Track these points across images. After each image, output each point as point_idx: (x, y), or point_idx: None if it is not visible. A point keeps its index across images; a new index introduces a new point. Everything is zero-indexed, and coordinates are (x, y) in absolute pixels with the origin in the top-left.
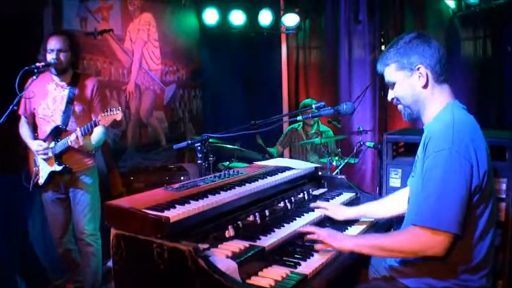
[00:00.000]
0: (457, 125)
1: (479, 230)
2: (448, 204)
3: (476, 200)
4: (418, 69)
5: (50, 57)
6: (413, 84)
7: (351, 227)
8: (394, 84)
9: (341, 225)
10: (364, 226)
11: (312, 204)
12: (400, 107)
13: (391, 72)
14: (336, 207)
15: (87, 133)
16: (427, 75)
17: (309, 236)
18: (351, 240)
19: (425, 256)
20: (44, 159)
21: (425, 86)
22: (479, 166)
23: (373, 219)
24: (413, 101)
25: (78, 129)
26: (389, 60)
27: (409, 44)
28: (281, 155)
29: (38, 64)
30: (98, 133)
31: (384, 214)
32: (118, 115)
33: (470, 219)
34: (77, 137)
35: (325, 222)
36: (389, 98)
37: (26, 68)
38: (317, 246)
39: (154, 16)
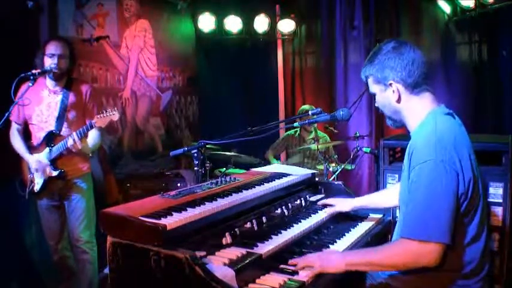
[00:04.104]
0: (439, 134)
1: (470, 237)
2: (436, 214)
3: (464, 208)
4: (390, 85)
5: (50, 62)
6: (388, 98)
7: (351, 230)
8: (375, 95)
9: (342, 228)
10: (373, 223)
11: (320, 202)
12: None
13: (370, 83)
14: (341, 200)
15: (83, 136)
16: (398, 90)
17: (300, 267)
18: (344, 260)
19: (418, 267)
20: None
21: (398, 101)
22: (464, 174)
23: (380, 217)
24: (392, 112)
25: (74, 133)
26: (367, 73)
27: (382, 58)
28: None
29: (34, 71)
30: (93, 136)
31: (388, 204)
32: (115, 116)
33: (460, 227)
34: (74, 140)
35: (322, 228)
36: (376, 104)
37: (22, 74)
38: (313, 272)
39: (151, 22)
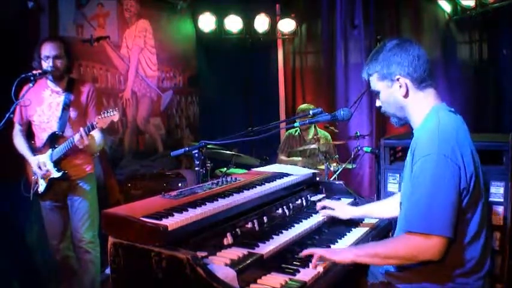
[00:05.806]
0: (442, 129)
1: (471, 233)
2: (439, 208)
3: (465, 203)
4: (397, 79)
5: (46, 64)
6: (395, 94)
7: (352, 230)
8: (378, 93)
9: (343, 228)
10: (367, 228)
11: (319, 204)
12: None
13: (374, 81)
14: (342, 206)
15: (88, 134)
16: (406, 84)
17: (312, 256)
18: (350, 252)
19: (421, 261)
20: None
21: (406, 95)
22: (466, 168)
23: (374, 222)
24: (397, 108)
25: (81, 128)
26: (371, 70)
27: (388, 54)
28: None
29: (34, 72)
30: (97, 137)
31: (386, 214)
32: (115, 116)
33: (461, 223)
34: (81, 136)
35: (323, 228)
36: (377, 104)
37: (23, 75)
38: (317, 256)
39: (151, 23)
